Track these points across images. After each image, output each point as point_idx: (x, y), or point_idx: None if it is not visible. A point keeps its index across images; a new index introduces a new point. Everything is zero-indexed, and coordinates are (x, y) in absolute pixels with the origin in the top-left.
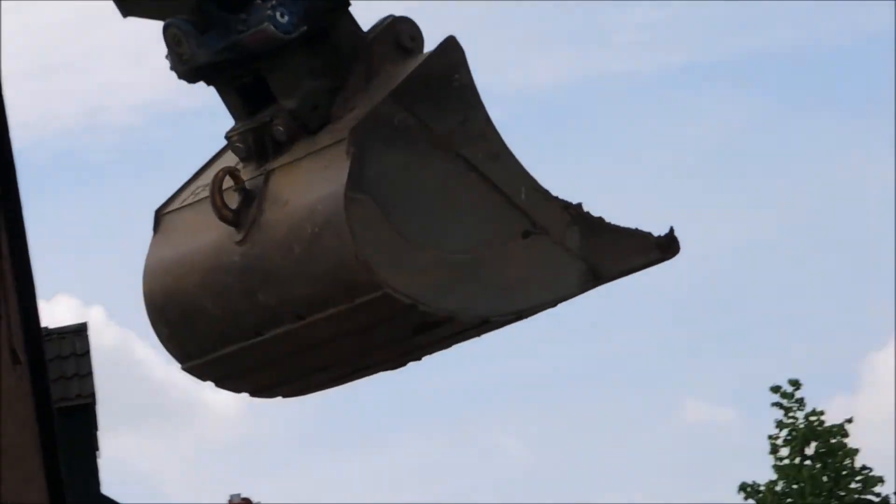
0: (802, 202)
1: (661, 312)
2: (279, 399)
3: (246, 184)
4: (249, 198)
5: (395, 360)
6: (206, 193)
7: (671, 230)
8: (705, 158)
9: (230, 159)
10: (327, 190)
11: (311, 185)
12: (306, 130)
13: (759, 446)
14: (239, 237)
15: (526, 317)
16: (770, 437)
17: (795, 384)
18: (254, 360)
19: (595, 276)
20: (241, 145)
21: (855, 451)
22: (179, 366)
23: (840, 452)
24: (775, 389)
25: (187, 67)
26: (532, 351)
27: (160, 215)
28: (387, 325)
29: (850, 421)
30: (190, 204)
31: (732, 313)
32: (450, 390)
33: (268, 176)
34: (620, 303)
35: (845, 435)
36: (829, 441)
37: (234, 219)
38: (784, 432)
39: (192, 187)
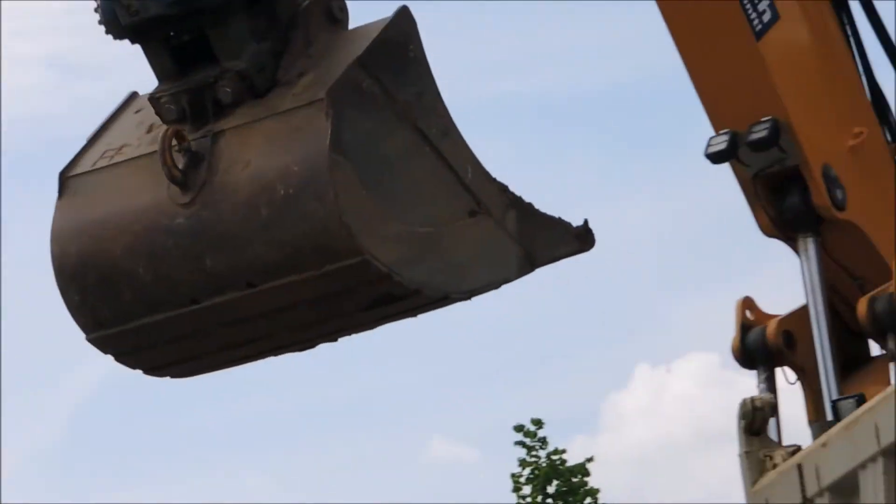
0: None
1: (406, 350)
2: (167, 378)
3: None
4: (196, 159)
5: (317, 339)
6: (126, 156)
7: (586, 222)
8: None
9: (128, 122)
10: (306, 151)
11: (280, 146)
12: (253, 93)
13: (502, 484)
14: (185, 199)
15: (474, 296)
16: (513, 475)
17: (538, 423)
18: (175, 331)
19: (530, 262)
20: (172, 106)
21: (596, 491)
22: (84, 336)
23: (581, 491)
24: (518, 428)
25: (136, 20)
26: (278, 389)
27: (66, 178)
28: (347, 296)
29: (590, 460)
30: (106, 166)
31: (477, 352)
32: (197, 427)
33: (215, 137)
34: (362, 339)
35: (587, 474)
36: (570, 480)
37: (181, 179)
38: (527, 471)
39: (99, 149)
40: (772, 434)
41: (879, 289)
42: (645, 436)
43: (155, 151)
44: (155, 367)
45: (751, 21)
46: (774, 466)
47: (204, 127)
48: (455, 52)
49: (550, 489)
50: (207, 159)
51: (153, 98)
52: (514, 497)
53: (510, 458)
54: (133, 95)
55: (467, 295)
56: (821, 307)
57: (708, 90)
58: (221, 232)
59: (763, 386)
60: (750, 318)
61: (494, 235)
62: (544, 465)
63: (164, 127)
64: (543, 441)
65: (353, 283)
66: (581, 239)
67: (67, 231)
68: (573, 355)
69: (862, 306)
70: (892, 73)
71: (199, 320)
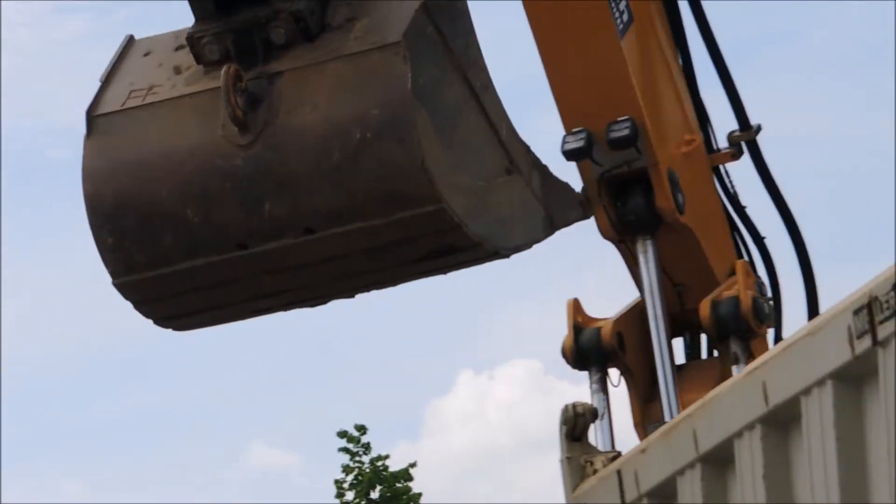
0: None
1: (224, 354)
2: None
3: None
4: (254, 99)
5: (342, 292)
6: (162, 96)
7: (584, 190)
8: None
9: (142, 64)
10: (384, 95)
11: (353, 89)
12: (305, 36)
13: (325, 490)
14: (245, 140)
15: (514, 254)
16: (336, 481)
17: (361, 429)
18: (211, 278)
19: (551, 224)
20: (215, 46)
21: (418, 496)
22: (112, 280)
23: (404, 497)
24: (342, 434)
25: None
26: (94, 394)
27: (94, 116)
28: (405, 246)
29: (413, 465)
30: (139, 106)
31: (299, 356)
32: (12, 432)
33: (272, 78)
34: (177, 347)
35: (410, 479)
36: (393, 485)
37: (242, 120)
38: (350, 476)
39: (121, 90)
40: (603, 435)
41: (716, 292)
42: (468, 441)
43: (199, 92)
44: (169, 317)
45: (615, 20)
46: (595, 472)
47: (253, 68)
48: None
49: (374, 494)
50: (267, 100)
51: (192, 38)
52: (337, 503)
53: (333, 463)
54: (131, 40)
55: (511, 252)
56: (659, 309)
57: (566, 88)
58: (286, 175)
59: (596, 387)
60: (578, 319)
61: (525, 195)
62: (367, 470)
63: (197, 68)
64: (367, 447)
65: (420, 232)
66: (583, 206)
67: (102, 170)
68: (397, 361)
69: (705, 309)
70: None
71: (241, 267)
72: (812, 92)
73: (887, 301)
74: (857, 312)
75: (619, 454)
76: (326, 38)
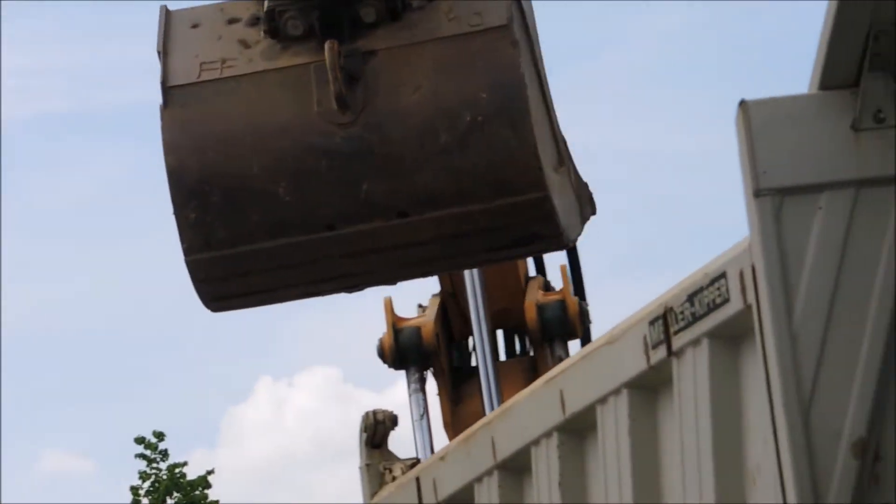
0: None
1: (18, 358)
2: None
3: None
4: (351, 78)
5: (399, 278)
6: (242, 70)
7: (586, 185)
8: (83, 210)
9: (196, 37)
10: (494, 78)
11: (458, 72)
12: (392, 15)
13: (120, 497)
14: (345, 119)
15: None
16: (132, 487)
17: (159, 436)
18: (291, 258)
19: (582, 219)
20: (299, 21)
21: (215, 503)
22: (184, 257)
23: None
24: (139, 440)
25: None
26: None
27: (170, 87)
28: (492, 233)
29: (211, 472)
30: (218, 79)
31: (95, 361)
32: None
33: (364, 57)
34: None
35: (207, 487)
36: (191, 493)
37: (345, 99)
38: (147, 483)
39: (188, 63)
40: (422, 435)
41: (532, 295)
42: (266, 449)
43: (285, 67)
44: (224, 297)
45: None
46: (394, 479)
47: (340, 46)
48: None
49: (170, 502)
50: (364, 79)
51: (272, 11)
52: None
53: (129, 470)
54: (167, 10)
55: (573, 243)
56: (483, 309)
57: None
58: (388, 156)
59: (415, 387)
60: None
61: (569, 188)
62: (165, 477)
63: (272, 42)
64: (164, 453)
65: (514, 220)
66: (591, 203)
67: (185, 144)
68: (194, 367)
69: (531, 312)
70: None
71: (323, 249)
72: (620, 106)
73: (682, 312)
74: (652, 323)
75: (418, 461)
76: (413, 17)
